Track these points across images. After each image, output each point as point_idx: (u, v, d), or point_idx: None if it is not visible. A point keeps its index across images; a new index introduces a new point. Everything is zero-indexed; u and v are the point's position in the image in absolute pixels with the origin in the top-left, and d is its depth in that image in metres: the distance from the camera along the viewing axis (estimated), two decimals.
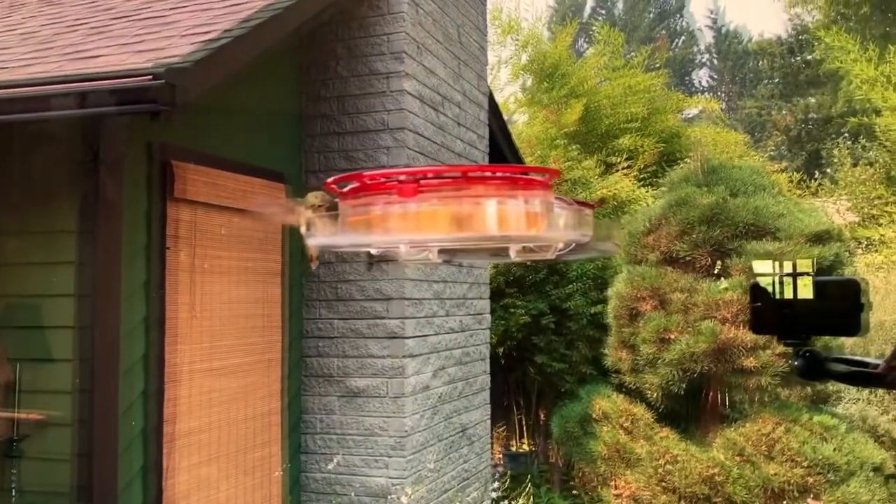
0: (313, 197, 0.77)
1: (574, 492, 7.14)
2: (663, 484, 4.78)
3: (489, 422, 6.21)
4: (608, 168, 9.30)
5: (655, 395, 5.16)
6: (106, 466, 3.37)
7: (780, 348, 4.63)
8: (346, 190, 0.72)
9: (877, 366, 1.18)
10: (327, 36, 4.93)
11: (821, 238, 4.94)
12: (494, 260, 1.00)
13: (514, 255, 0.73)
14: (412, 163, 4.85)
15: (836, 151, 13.37)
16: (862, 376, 1.23)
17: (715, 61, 37.18)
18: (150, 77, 3.00)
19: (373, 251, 0.78)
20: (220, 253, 4.17)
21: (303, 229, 0.78)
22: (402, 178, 0.68)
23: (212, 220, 4.10)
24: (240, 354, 4.35)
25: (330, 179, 0.75)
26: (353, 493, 4.68)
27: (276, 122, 4.84)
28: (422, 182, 0.67)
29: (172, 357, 3.81)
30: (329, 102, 4.97)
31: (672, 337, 4.96)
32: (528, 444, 8.43)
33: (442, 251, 0.78)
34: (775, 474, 4.62)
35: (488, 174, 0.68)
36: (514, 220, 0.67)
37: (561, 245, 0.74)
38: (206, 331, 4.08)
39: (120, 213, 3.45)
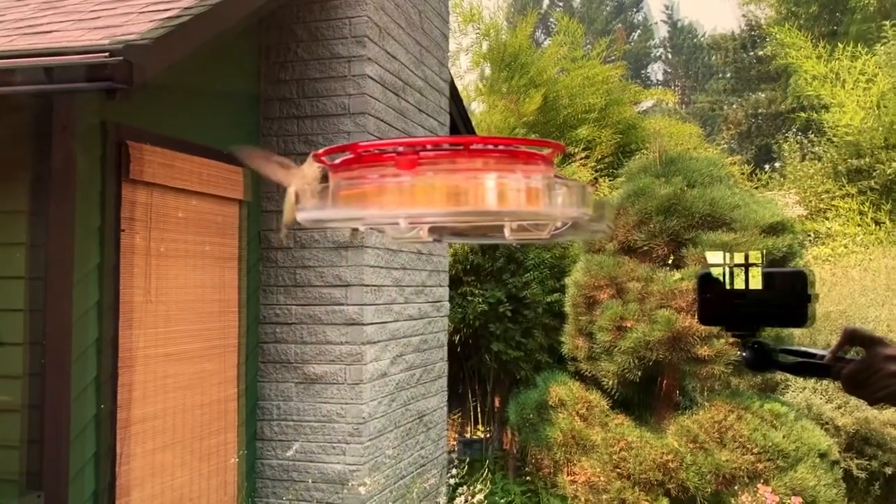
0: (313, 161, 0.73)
1: (528, 478, 7.20)
2: (618, 470, 4.85)
3: (446, 409, 6.22)
4: (566, 158, 9.36)
5: (611, 382, 5.22)
6: (57, 453, 3.29)
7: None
8: (337, 162, 0.69)
9: (823, 357, 1.21)
10: (288, 17, 4.86)
11: (775, 230, 5.03)
12: (486, 240, 0.99)
13: (508, 235, 0.71)
14: None
15: (785, 146, 13.64)
16: (809, 367, 1.24)
17: (669, 55, 37.63)
18: (108, 54, 2.92)
19: (361, 227, 0.75)
20: (176, 236, 4.09)
21: (291, 192, 0.74)
22: (400, 149, 0.66)
23: (168, 203, 4.02)
24: (195, 340, 4.28)
25: (320, 151, 0.72)
26: (310, 480, 4.65)
27: (234, 105, 4.75)
28: (421, 154, 0.65)
29: (127, 342, 3.73)
30: (289, 85, 4.90)
31: (628, 325, 5.02)
32: (483, 431, 8.48)
33: (433, 229, 0.76)
34: (727, 460, 4.72)
35: (490, 146, 0.66)
36: (515, 195, 0.65)
37: (559, 224, 0.72)
38: (162, 315, 4.00)
39: (73, 194, 3.35)
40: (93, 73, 2.94)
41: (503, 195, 0.65)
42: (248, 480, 4.66)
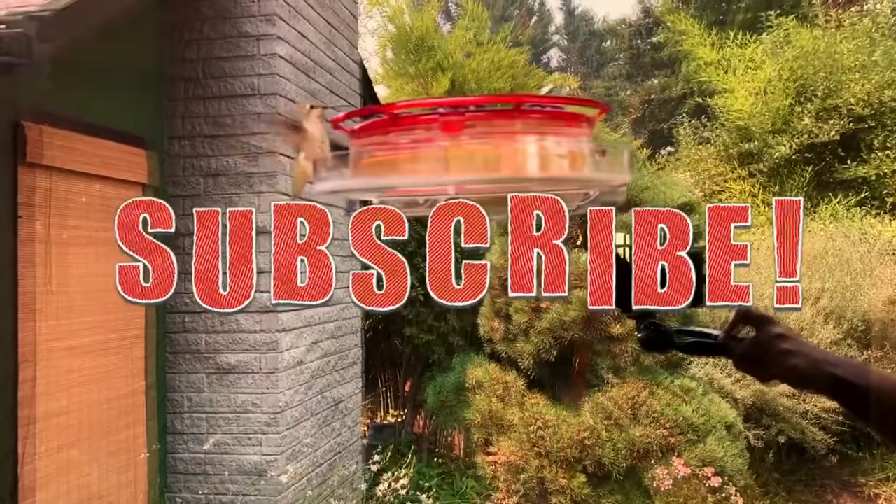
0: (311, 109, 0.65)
1: (441, 460, 7.23)
2: (536, 449, 4.92)
3: (360, 395, 6.16)
4: None
5: (527, 362, 5.28)
6: None
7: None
8: (357, 127, 0.63)
9: (717, 336, 1.24)
10: None
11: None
12: (500, 215, 0.94)
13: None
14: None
15: (680, 130, 14.11)
16: (704, 347, 1.27)
17: (565, 42, 38.27)
18: (4, 26, 2.71)
19: (375, 199, 0.69)
20: (78, 223, 3.87)
21: (300, 160, 0.67)
22: (441, 109, 0.59)
23: (69, 188, 3.79)
24: (100, 331, 4.07)
25: (339, 115, 0.65)
26: (226, 473, 4.51)
27: (137, 85, 4.52)
28: (466, 115, 0.59)
29: (27, 335, 3.50)
30: (195, 65, 4.70)
31: (544, 306, 5.09)
32: (394, 416, 8.47)
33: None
34: (640, 435, 4.86)
35: (538, 107, 0.61)
36: (558, 161, 0.60)
37: (591, 193, 0.68)
38: (64, 306, 3.78)
39: None
40: None
41: (547, 160, 0.60)
42: (160, 476, 4.48)
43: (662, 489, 4.60)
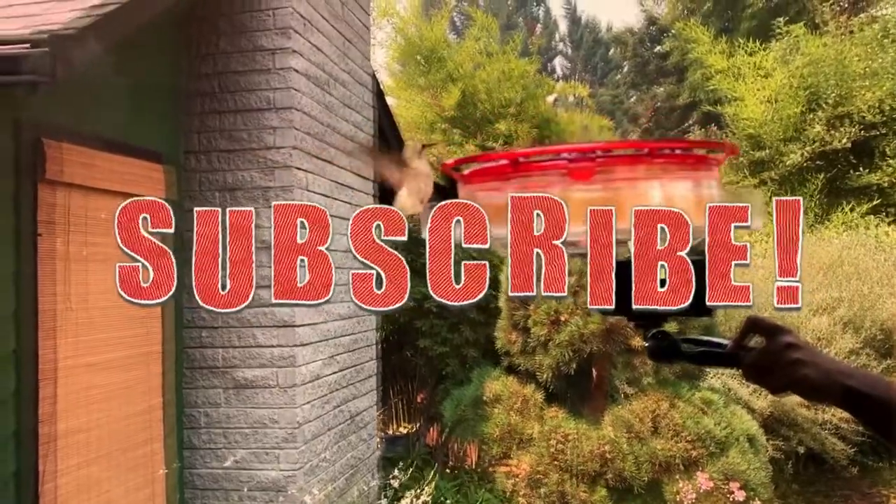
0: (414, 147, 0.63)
1: (455, 472, 7.19)
2: (556, 462, 4.88)
3: (376, 408, 6.13)
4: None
5: (546, 375, 5.24)
6: None
7: (666, 327, 4.77)
8: (469, 172, 0.60)
9: (726, 346, 1.20)
10: (209, 10, 4.65)
11: None
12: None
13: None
14: (299, 144, 4.66)
15: (690, 138, 14.08)
16: (712, 357, 1.23)
17: (569, 50, 38.26)
18: (29, 45, 2.70)
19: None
20: (97, 239, 3.85)
21: (402, 196, 0.65)
22: (565, 155, 0.57)
23: (88, 204, 3.77)
24: (118, 348, 4.05)
25: (450, 161, 0.63)
26: (244, 489, 4.48)
27: (153, 100, 4.51)
28: (596, 161, 0.56)
29: (48, 352, 3.49)
30: (210, 79, 4.69)
31: (563, 319, 5.05)
32: (407, 428, 8.43)
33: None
34: (662, 449, 4.81)
35: (669, 151, 0.58)
36: (701, 205, 0.57)
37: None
38: (84, 323, 3.76)
39: None
40: (12, 66, 2.71)
41: (672, 207, 0.57)
42: (179, 492, 4.46)
43: (685, 503, 4.55)
